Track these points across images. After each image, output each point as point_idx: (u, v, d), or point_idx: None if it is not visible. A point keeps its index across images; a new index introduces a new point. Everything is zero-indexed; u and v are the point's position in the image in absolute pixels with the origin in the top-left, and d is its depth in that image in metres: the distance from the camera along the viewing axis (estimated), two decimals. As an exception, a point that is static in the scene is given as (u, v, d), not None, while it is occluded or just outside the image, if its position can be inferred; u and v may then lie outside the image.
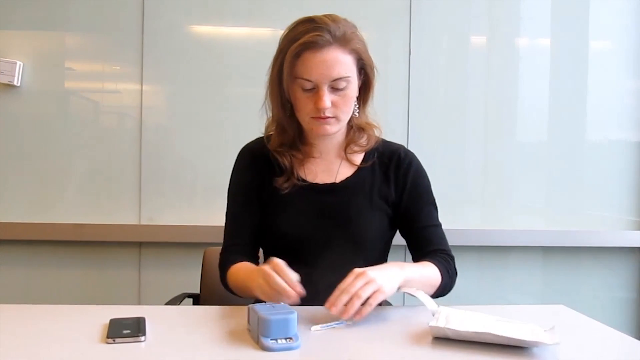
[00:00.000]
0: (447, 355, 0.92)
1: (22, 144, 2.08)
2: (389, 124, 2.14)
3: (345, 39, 1.21)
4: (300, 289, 1.04)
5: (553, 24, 2.26)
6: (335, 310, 1.01)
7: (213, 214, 2.09)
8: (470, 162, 2.23)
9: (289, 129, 1.32)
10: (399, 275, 1.11)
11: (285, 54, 1.21)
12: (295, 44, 1.19)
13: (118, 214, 2.10)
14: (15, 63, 2.05)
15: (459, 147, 2.21)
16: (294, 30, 1.23)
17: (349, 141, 1.35)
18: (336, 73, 1.20)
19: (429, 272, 1.23)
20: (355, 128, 1.35)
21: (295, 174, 1.33)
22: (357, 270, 1.06)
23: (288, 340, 0.93)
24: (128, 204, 2.10)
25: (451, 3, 2.18)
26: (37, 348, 0.93)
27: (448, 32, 2.22)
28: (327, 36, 1.19)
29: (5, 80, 2.04)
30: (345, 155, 1.36)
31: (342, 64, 1.21)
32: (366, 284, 1.03)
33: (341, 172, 1.35)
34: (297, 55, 1.20)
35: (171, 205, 2.11)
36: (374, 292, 1.03)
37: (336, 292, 1.03)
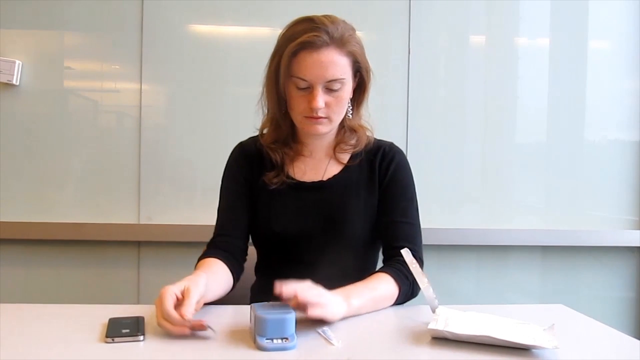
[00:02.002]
0: (446, 355, 0.92)
1: (21, 143, 2.08)
2: (388, 123, 2.15)
3: (343, 40, 1.21)
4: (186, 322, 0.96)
5: (552, 24, 2.26)
6: (285, 291, 0.97)
7: (212, 213, 2.07)
8: (469, 161, 2.23)
9: (283, 126, 1.34)
10: (343, 309, 1.07)
11: (283, 52, 1.22)
12: (293, 43, 1.20)
13: (117, 213, 2.10)
14: (14, 62, 2.05)
15: (458, 147, 2.21)
16: (292, 28, 1.24)
17: (339, 141, 1.37)
18: (331, 74, 1.21)
19: (380, 293, 1.19)
20: (346, 129, 1.36)
21: (285, 170, 1.34)
22: (312, 284, 1.04)
23: (284, 340, 0.92)
24: (127, 203, 2.10)
25: (450, 3, 2.18)
26: (36, 347, 0.93)
27: (447, 32, 2.22)
28: (325, 37, 1.19)
29: (4, 79, 2.04)
30: (334, 154, 1.37)
31: (338, 65, 1.21)
32: (317, 295, 1.01)
33: (329, 170, 1.36)
34: (294, 54, 1.21)
35: (170, 204, 2.11)
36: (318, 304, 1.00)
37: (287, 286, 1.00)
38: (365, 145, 1.38)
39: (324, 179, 1.35)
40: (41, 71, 2.09)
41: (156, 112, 2.13)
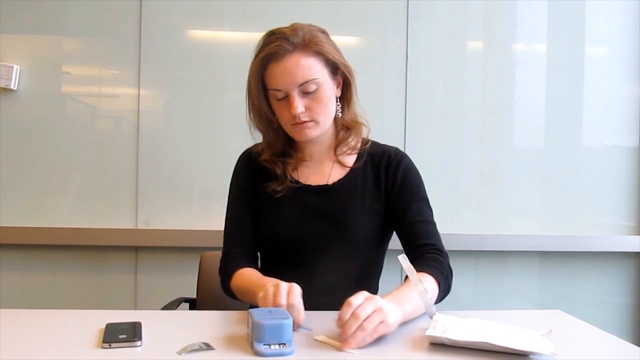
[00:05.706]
0: (444, 360, 0.92)
1: (19, 148, 2.08)
2: (386, 128, 2.15)
3: (305, 43, 1.24)
4: (302, 319, 1.04)
5: (549, 29, 2.27)
6: (346, 346, 0.95)
7: (210, 218, 2.09)
8: (467, 166, 2.23)
9: (276, 142, 1.37)
10: (399, 314, 1.04)
11: (254, 70, 1.27)
12: (258, 58, 1.26)
13: (115, 218, 2.09)
14: (13, 67, 2.05)
15: (456, 152, 2.22)
16: (258, 45, 1.28)
17: (338, 142, 1.37)
18: (300, 78, 1.23)
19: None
20: (340, 128, 1.37)
21: (289, 177, 1.36)
22: (367, 293, 1.01)
23: (281, 345, 0.92)
24: (125, 208, 2.10)
25: (448, 8, 2.19)
26: (33, 352, 0.92)
27: (445, 37, 2.22)
28: (286, 45, 1.22)
29: (2, 84, 2.04)
30: (336, 157, 1.37)
31: (306, 67, 1.23)
32: (375, 311, 0.97)
33: (333, 174, 1.37)
34: (263, 68, 1.26)
35: (168, 209, 2.11)
36: (379, 324, 0.97)
37: (346, 313, 0.97)
38: (367, 144, 1.39)
39: (329, 183, 1.36)
40: (39, 76, 2.09)
41: (154, 117, 2.13)
